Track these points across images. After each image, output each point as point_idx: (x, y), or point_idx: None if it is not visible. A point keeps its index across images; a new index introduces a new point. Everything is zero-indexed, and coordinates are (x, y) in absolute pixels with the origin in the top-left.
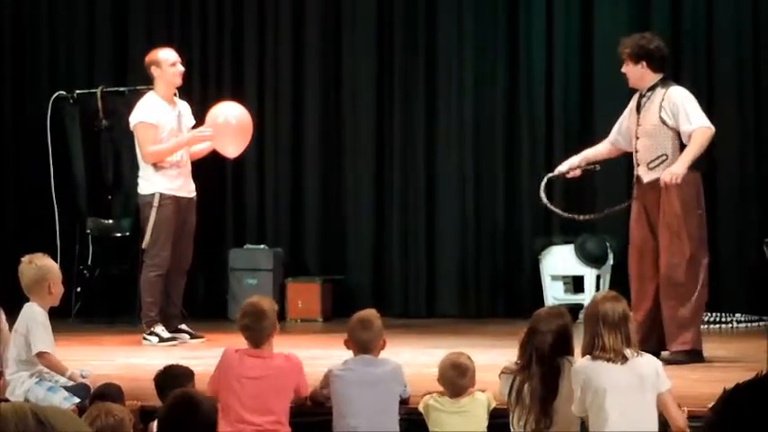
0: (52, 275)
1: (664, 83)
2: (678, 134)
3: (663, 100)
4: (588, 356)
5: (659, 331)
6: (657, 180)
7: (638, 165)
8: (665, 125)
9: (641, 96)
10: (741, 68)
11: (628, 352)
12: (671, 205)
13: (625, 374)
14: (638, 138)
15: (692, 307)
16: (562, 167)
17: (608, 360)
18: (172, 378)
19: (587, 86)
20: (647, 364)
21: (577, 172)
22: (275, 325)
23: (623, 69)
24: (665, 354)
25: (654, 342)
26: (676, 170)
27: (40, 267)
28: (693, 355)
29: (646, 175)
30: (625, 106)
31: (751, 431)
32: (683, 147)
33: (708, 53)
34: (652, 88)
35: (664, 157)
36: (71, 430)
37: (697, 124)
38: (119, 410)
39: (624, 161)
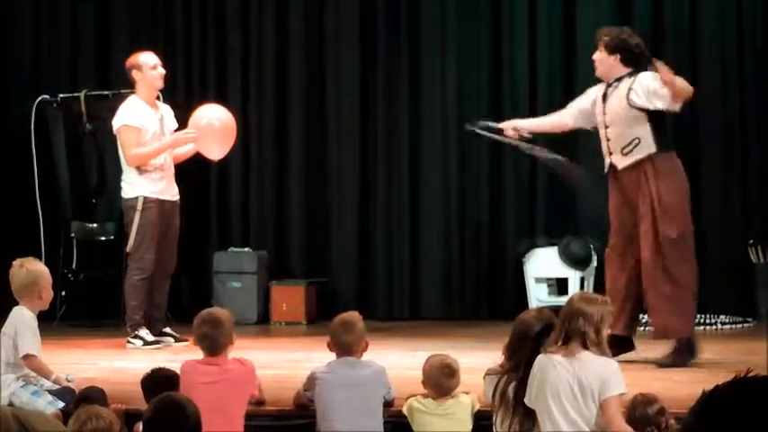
0: (43, 280)
1: (632, 74)
2: (649, 115)
3: (632, 83)
4: (549, 351)
5: (628, 315)
6: (633, 164)
7: (611, 153)
8: (635, 107)
9: (608, 86)
10: (725, 63)
11: (591, 353)
12: (654, 185)
13: (573, 376)
14: (607, 126)
15: (682, 290)
16: (504, 124)
17: (564, 356)
18: (159, 381)
19: (570, 84)
20: (598, 369)
21: (514, 134)
22: (231, 335)
23: (595, 56)
24: (659, 357)
25: (621, 327)
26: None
27: (32, 272)
28: (684, 351)
29: (621, 161)
30: None
31: None
32: (654, 128)
33: (691, 46)
34: (619, 79)
35: (637, 141)
36: None
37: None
38: (107, 414)
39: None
